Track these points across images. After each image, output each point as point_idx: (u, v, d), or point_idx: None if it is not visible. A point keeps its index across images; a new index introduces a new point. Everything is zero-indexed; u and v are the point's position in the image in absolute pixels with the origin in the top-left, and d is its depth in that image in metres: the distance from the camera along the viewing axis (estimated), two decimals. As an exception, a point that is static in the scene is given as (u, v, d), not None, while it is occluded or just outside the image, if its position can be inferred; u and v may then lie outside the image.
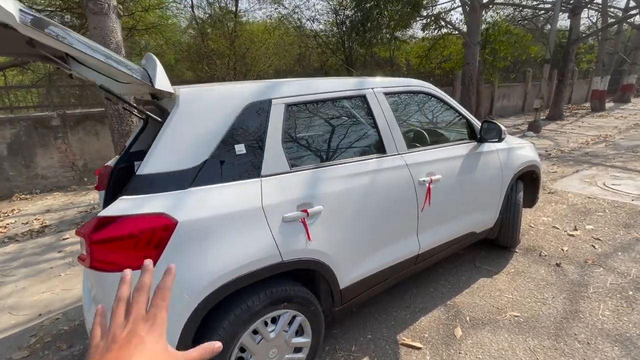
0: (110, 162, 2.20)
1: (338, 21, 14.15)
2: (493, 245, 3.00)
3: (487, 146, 2.45)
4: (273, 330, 1.51)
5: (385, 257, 1.90)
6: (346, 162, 1.72)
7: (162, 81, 1.34)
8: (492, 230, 2.69)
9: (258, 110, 1.52)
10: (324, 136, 1.74)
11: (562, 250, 2.93)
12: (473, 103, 8.62)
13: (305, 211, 1.50)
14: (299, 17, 14.46)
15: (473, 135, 2.44)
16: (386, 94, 2.00)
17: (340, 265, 1.68)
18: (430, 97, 2.26)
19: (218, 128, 1.41)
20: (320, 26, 15.79)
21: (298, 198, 1.50)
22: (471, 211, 2.39)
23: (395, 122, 1.98)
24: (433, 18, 10.85)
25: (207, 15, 11.13)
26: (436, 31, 11.53)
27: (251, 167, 1.45)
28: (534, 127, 9.24)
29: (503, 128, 2.29)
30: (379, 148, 1.90)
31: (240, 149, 1.43)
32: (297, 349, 1.66)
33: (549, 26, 14.63)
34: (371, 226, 1.78)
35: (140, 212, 1.20)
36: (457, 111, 2.39)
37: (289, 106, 1.61)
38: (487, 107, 13.06)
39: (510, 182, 2.61)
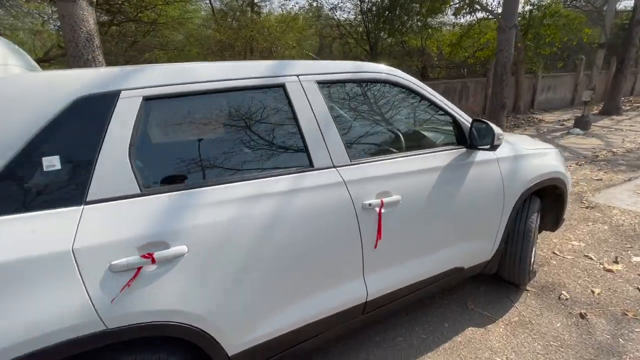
0: None
1: (363, 8, 13.33)
2: (497, 278, 2.34)
3: (483, 154, 1.81)
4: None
5: (310, 308, 1.38)
6: (238, 181, 1.22)
7: None
8: (490, 264, 2.04)
9: (96, 106, 1.06)
10: (208, 144, 1.24)
11: (592, 292, 2.19)
12: (508, 95, 7.54)
13: (149, 256, 1.02)
14: (320, 3, 13.79)
15: (463, 140, 1.80)
16: (321, 83, 1.44)
17: (227, 326, 1.19)
18: (396, 87, 1.67)
19: (20, 131, 0.97)
20: (344, 15, 14.98)
21: (143, 235, 1.03)
22: (454, 242, 1.78)
23: (332, 123, 1.43)
24: (466, 0, 9.72)
25: (224, 6, 10.90)
26: (469, 15, 10.37)
27: (68, 190, 0.99)
28: (582, 123, 7.95)
29: (496, 130, 1.63)
30: (302, 160, 1.36)
31: (50, 162, 0.98)
32: None
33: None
34: (280, 270, 1.26)
35: None
36: (439, 108, 1.76)
37: (148, 100, 1.14)
38: (527, 100, 11.65)
39: (517, 201, 1.95)
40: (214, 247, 1.13)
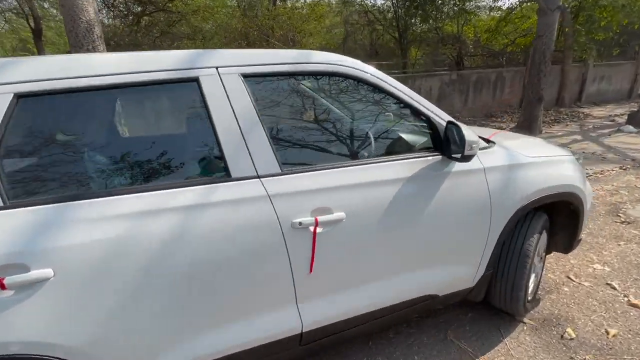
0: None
1: (393, -7, 12.60)
2: (489, 304, 2.00)
3: (466, 164, 1.48)
4: None
5: (226, 339, 1.19)
6: (131, 193, 1.03)
7: None
8: (474, 291, 1.73)
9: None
10: (97, 149, 1.07)
11: (607, 333, 1.80)
12: (547, 86, 6.72)
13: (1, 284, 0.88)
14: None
15: (440, 146, 1.49)
16: (249, 76, 1.21)
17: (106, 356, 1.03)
18: (352, 81, 1.39)
19: None
20: (372, 0, 14.27)
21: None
22: (421, 266, 1.50)
23: (259, 124, 1.20)
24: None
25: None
26: (510, -3, 9.37)
27: None
28: (636, 120, 6.96)
29: (468, 138, 1.30)
30: (216, 168, 1.16)
31: None
32: None
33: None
34: (183, 297, 1.08)
35: None
36: (409, 106, 1.46)
37: (23, 98, 0.98)
38: (574, 91, 10.46)
39: (510, 219, 1.61)
40: (93, 270, 0.97)
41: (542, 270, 2.05)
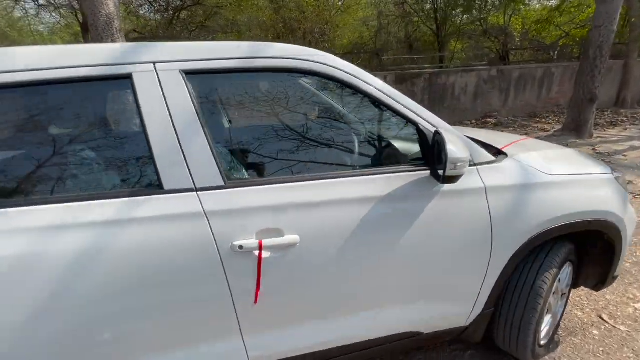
0: None
1: (433, -18, 11.86)
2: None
3: (462, 182, 1.22)
4: None
5: None
6: (39, 204, 0.92)
7: None
8: (469, 331, 1.46)
9: None
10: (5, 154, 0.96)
11: (641, 397, 1.45)
12: (601, 83, 5.90)
13: None
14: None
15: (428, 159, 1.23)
16: (191, 73, 1.05)
17: None
18: (322, 79, 1.17)
19: None
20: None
21: None
22: (399, 301, 1.27)
23: (200, 129, 1.03)
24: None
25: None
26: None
27: None
28: None
29: (452, 154, 1.02)
30: (147, 179, 1.01)
31: None
32: None
33: None
34: (99, 324, 0.96)
35: None
36: (392, 110, 1.21)
37: None
38: (638, 90, 9.19)
39: (519, 250, 1.32)
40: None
41: (564, 307, 1.71)
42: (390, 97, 1.20)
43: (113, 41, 3.81)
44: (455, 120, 8.21)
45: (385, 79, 7.63)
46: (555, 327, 1.68)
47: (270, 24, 8.73)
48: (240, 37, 12.97)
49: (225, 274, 1.03)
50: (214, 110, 1.11)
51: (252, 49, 1.09)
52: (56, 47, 1.01)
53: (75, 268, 0.91)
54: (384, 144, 1.26)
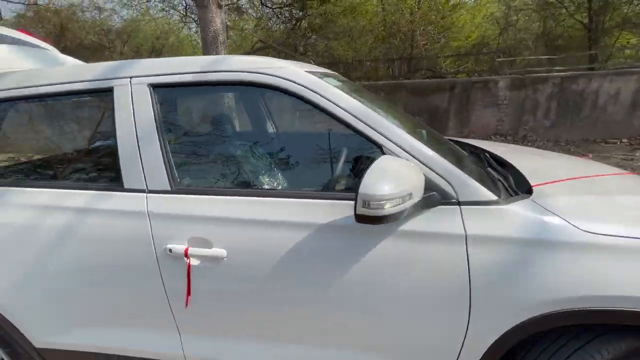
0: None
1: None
2: None
3: (435, 219, 0.97)
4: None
5: (125, 340, 1.22)
6: (42, 187, 1.19)
7: None
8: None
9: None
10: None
11: None
12: None
13: None
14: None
15: None
16: (155, 86, 1.15)
17: (25, 315, 1.23)
18: (281, 93, 1.10)
19: None
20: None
21: None
22: (338, 343, 1.10)
23: (156, 137, 1.13)
24: None
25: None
26: None
27: None
28: None
29: (366, 187, 0.78)
30: (114, 178, 1.17)
31: None
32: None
33: None
34: (73, 284, 1.17)
35: None
36: (350, 127, 1.05)
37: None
38: None
39: (509, 333, 0.96)
40: (9, 241, 1.18)
41: None
42: (355, 116, 1.05)
43: (217, 52, 4.50)
44: (596, 136, 6.45)
45: (495, 85, 6.59)
46: None
47: (369, 28, 8.66)
48: (352, 43, 13.32)
49: (160, 272, 1.11)
50: (172, 121, 1.20)
51: (210, 62, 1.13)
52: (78, 65, 1.28)
53: (56, 239, 1.14)
54: (336, 165, 1.11)
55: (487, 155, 1.60)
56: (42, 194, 1.19)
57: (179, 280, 1.11)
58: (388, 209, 0.83)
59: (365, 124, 1.04)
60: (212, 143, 1.27)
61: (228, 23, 14.06)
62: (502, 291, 0.95)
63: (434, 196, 0.99)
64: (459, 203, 1.00)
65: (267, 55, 14.50)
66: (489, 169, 1.37)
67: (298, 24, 14.57)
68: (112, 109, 1.18)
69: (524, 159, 1.59)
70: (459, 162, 1.09)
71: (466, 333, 0.98)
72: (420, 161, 1.01)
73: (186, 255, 1.07)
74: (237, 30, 15.47)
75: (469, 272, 0.96)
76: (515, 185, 1.20)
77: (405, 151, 1.02)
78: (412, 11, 8.18)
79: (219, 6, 4.37)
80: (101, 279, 1.15)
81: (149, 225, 1.10)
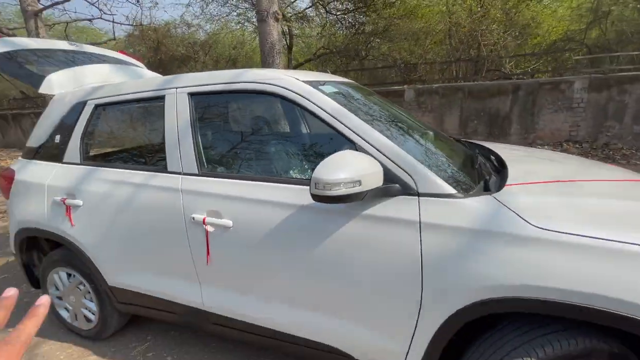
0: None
1: None
2: None
3: (389, 209, 1.14)
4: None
5: (164, 287, 1.63)
6: (119, 169, 1.65)
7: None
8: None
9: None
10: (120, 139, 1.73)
11: None
12: None
13: (64, 200, 1.71)
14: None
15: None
16: (193, 94, 1.52)
17: (103, 260, 1.71)
18: (282, 100, 1.37)
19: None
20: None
21: (65, 187, 1.73)
22: (321, 311, 1.32)
23: (190, 132, 1.50)
24: None
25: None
26: None
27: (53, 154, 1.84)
28: None
29: (317, 171, 0.98)
30: (161, 163, 1.57)
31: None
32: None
33: None
34: (132, 240, 1.61)
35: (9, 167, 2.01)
36: (334, 129, 1.26)
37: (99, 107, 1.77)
38: None
39: (458, 310, 1.08)
40: (95, 206, 1.67)
41: None
42: (333, 117, 1.27)
43: (273, 61, 4.98)
44: None
45: (569, 87, 5.92)
46: None
47: (431, 30, 8.42)
48: (412, 45, 13.03)
49: (187, 235, 1.47)
50: (202, 120, 1.55)
51: (232, 75, 1.46)
52: (147, 79, 1.72)
53: (125, 201, 1.59)
54: (320, 159, 1.33)
55: (487, 157, 1.66)
56: (116, 173, 1.65)
57: (200, 243, 1.45)
58: (334, 190, 1.03)
59: (342, 124, 1.26)
60: (228, 139, 1.61)
61: (296, 31, 14.93)
62: (450, 275, 1.07)
63: (395, 187, 1.16)
64: (418, 194, 1.15)
65: (329, 60, 14.96)
66: (476, 168, 1.45)
67: (361, 28, 14.77)
68: (163, 112, 1.59)
69: (526, 162, 1.60)
70: (449, 161, 1.27)
71: (419, 311, 1.12)
72: (386, 157, 1.19)
73: (204, 223, 1.40)
74: (304, 38, 16.31)
75: (421, 255, 1.11)
76: (493, 184, 1.29)
77: (374, 148, 1.20)
78: (472, 11, 7.77)
79: (276, 19, 4.85)
80: (150, 237, 1.56)
81: (181, 199, 1.47)
